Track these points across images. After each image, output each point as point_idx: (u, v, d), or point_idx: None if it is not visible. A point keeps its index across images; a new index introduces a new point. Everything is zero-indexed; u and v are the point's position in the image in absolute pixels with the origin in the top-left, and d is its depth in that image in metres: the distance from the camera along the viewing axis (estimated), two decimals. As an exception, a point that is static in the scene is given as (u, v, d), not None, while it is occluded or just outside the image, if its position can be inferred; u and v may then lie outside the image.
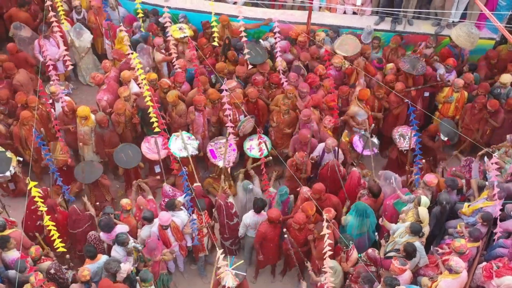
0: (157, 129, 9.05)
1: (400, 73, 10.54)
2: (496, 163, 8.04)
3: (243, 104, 9.97)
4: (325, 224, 7.08)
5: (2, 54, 11.21)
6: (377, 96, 10.30)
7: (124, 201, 8.61)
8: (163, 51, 10.89)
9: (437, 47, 11.28)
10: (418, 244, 7.87)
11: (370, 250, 7.80)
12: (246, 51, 10.20)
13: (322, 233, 7.12)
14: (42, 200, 7.55)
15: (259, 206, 8.51)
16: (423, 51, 10.98)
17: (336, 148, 9.27)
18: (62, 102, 10.03)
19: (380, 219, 8.42)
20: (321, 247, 7.96)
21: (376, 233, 8.36)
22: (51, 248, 8.54)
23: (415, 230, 7.85)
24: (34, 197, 7.62)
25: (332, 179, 9.03)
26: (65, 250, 7.79)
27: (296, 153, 9.12)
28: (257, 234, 8.50)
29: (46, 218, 7.46)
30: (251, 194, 8.97)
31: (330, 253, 7.26)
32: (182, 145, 9.55)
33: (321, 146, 9.44)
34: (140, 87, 9.87)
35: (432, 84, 10.52)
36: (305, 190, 8.63)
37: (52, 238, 7.76)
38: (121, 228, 8.27)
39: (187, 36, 10.81)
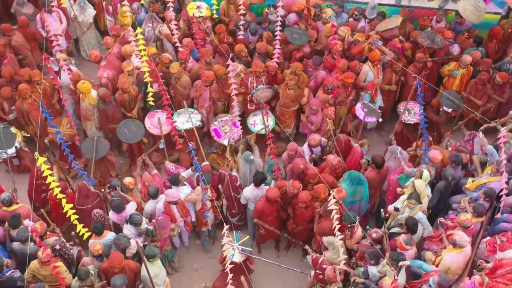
0: (151, 103, 9.11)
1: (419, 49, 10.53)
2: (504, 136, 8.04)
3: (264, 74, 9.98)
4: (332, 201, 7.10)
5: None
6: (394, 70, 10.25)
7: (127, 180, 8.63)
8: (172, 24, 10.74)
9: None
10: (421, 214, 7.94)
11: (374, 234, 7.83)
12: (288, 34, 10.38)
13: (328, 209, 7.14)
14: (55, 178, 7.55)
15: (258, 179, 8.53)
16: (435, 26, 10.94)
17: (320, 144, 9.28)
18: (67, 71, 10.03)
19: (382, 212, 8.41)
20: (324, 224, 8.06)
21: (382, 210, 8.39)
22: (57, 224, 8.60)
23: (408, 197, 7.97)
24: (42, 172, 7.60)
25: (347, 152, 9.12)
26: (89, 233, 7.88)
27: (291, 181, 8.53)
28: (255, 210, 8.55)
29: (67, 206, 7.47)
30: (252, 165, 9.00)
31: (338, 226, 7.31)
32: (186, 117, 9.58)
33: (306, 145, 9.42)
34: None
35: (448, 57, 10.46)
36: (331, 157, 8.72)
37: (79, 232, 7.82)
38: (132, 206, 8.33)
39: (202, 17, 10.70)
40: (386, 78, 10.38)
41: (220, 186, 9.02)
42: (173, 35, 10.50)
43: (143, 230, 7.95)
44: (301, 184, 8.43)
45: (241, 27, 10.59)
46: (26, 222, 7.99)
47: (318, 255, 7.88)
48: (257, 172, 8.68)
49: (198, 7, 10.90)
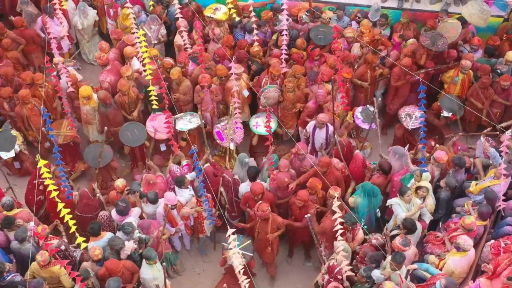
0: (155, 106, 9.15)
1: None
2: (507, 139, 8.02)
3: (279, 77, 9.96)
4: (335, 202, 7.07)
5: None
6: (370, 66, 10.17)
7: (119, 182, 8.63)
8: (184, 34, 10.65)
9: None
10: (419, 201, 8.05)
11: (374, 241, 7.79)
12: (313, 36, 10.45)
13: (335, 216, 7.13)
14: (53, 182, 7.52)
15: (252, 173, 8.62)
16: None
17: (328, 124, 9.26)
18: (66, 76, 10.01)
19: (378, 212, 8.38)
20: (326, 223, 8.02)
21: (377, 210, 8.37)
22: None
23: (401, 192, 8.01)
24: (41, 175, 7.57)
25: (348, 156, 9.09)
26: (86, 245, 7.86)
27: (259, 203, 8.17)
28: (242, 198, 8.58)
29: (64, 211, 7.44)
30: (247, 167, 9.00)
31: (341, 231, 7.29)
32: (187, 119, 9.64)
33: (312, 123, 9.42)
34: (142, 64, 9.82)
35: (441, 67, 10.37)
36: (335, 161, 8.71)
37: (70, 232, 7.78)
38: (137, 213, 8.34)
39: (212, 18, 10.64)
40: (359, 72, 10.30)
41: (222, 189, 8.97)
42: (185, 48, 10.48)
43: (136, 239, 7.94)
44: (269, 208, 8.13)
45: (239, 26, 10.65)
46: (30, 225, 7.97)
47: (334, 263, 7.70)
48: (251, 167, 8.76)
49: (215, 9, 10.86)
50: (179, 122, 9.63)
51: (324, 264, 8.00)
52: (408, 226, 7.70)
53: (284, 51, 10.21)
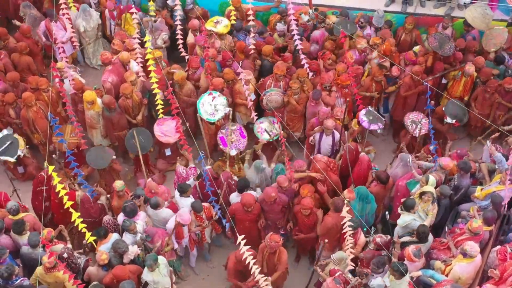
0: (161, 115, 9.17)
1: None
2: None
3: (283, 78, 9.94)
4: (345, 209, 7.08)
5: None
6: (374, 79, 10.16)
7: (117, 184, 8.62)
8: (197, 33, 10.68)
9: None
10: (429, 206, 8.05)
11: (378, 239, 7.76)
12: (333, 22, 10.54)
13: (342, 215, 7.14)
14: (63, 186, 7.52)
15: (241, 185, 8.56)
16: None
17: (334, 130, 9.23)
18: (70, 80, 9.99)
19: (387, 215, 8.35)
20: (327, 221, 8.04)
21: (387, 213, 8.34)
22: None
23: (409, 206, 7.96)
24: (49, 182, 7.57)
25: (357, 159, 9.07)
26: (95, 245, 7.86)
27: (270, 234, 7.95)
28: (229, 210, 8.50)
29: (75, 215, 7.43)
30: (263, 173, 8.97)
31: (350, 232, 7.29)
32: (212, 107, 9.52)
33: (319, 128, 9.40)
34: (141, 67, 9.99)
35: (448, 71, 10.37)
36: (319, 156, 8.75)
37: (87, 235, 7.82)
38: (143, 216, 8.32)
39: (212, 32, 10.57)
40: (365, 86, 10.27)
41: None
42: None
43: (140, 242, 7.95)
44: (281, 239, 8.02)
45: (252, 30, 10.54)
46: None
47: (335, 268, 7.71)
48: (241, 178, 8.70)
49: (216, 22, 10.77)
50: (204, 107, 9.52)
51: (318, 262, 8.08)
52: (420, 233, 7.70)
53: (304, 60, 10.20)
